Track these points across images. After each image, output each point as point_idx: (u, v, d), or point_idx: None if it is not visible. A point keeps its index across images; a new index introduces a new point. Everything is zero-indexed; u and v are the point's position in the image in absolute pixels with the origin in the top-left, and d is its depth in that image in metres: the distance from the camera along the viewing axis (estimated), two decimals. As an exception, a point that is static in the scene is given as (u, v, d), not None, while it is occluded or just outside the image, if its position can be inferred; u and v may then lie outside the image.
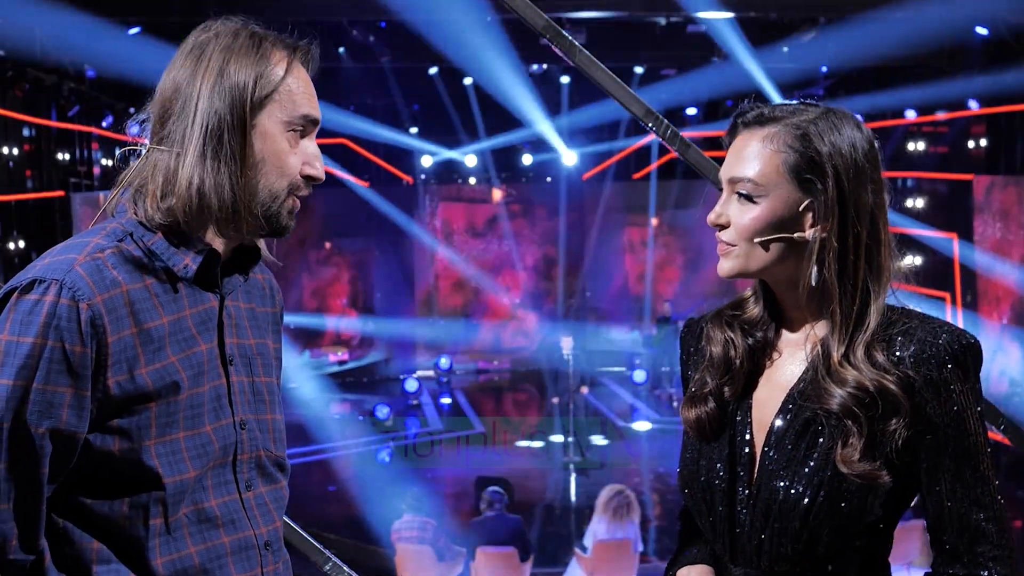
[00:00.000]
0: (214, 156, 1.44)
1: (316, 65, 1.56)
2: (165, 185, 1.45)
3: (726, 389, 1.57)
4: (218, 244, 1.51)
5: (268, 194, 1.49)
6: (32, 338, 1.36)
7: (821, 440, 1.47)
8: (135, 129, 1.54)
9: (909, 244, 13.12)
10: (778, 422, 1.51)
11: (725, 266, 1.53)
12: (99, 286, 1.40)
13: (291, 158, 1.50)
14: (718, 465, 1.55)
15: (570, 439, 11.44)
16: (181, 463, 1.44)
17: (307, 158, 1.52)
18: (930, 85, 11.69)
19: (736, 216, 1.51)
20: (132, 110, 1.61)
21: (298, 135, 1.51)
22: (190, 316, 1.49)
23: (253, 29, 1.50)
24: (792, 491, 1.46)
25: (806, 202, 1.48)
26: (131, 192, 1.49)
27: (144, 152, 1.50)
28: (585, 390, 11.76)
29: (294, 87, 1.50)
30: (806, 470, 1.47)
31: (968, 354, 1.44)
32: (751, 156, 1.50)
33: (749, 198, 1.50)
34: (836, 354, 1.47)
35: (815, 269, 1.48)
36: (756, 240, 1.49)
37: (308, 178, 1.52)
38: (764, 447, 1.52)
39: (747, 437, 1.54)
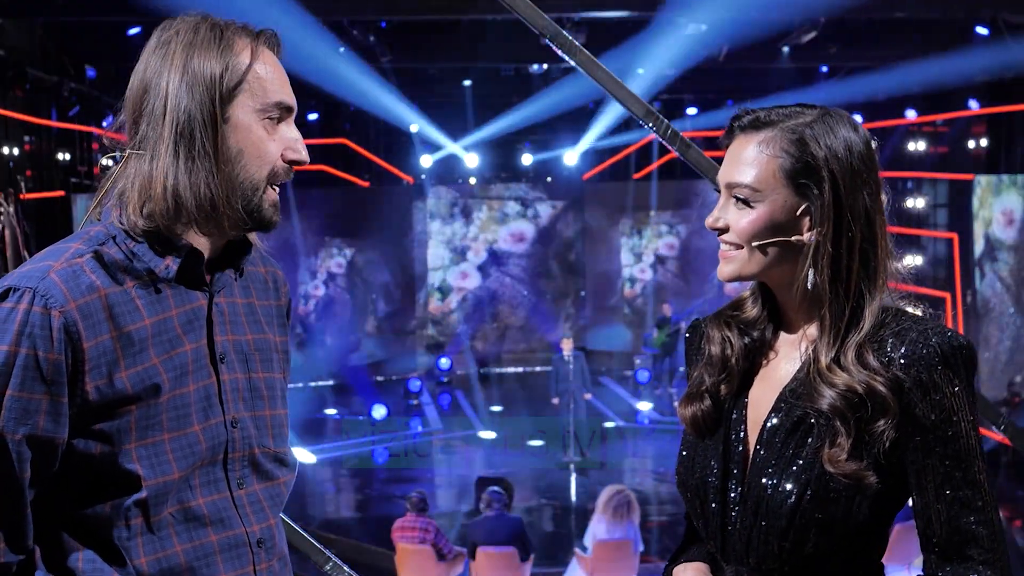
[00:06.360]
0: (187, 155, 1.43)
1: (282, 49, 1.54)
2: (143, 191, 1.44)
3: (722, 387, 1.58)
4: (202, 243, 1.50)
5: (249, 185, 1.47)
6: (6, 346, 1.36)
7: (810, 439, 1.47)
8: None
9: (909, 244, 13.14)
10: (771, 421, 1.52)
11: (725, 270, 1.54)
12: (74, 292, 1.39)
13: (269, 145, 1.48)
14: (712, 463, 1.56)
15: (570, 439, 11.44)
16: (165, 464, 1.43)
17: (288, 143, 1.50)
18: (930, 85, 11.68)
19: (734, 220, 1.51)
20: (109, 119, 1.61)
21: (275, 122, 1.49)
22: (176, 316, 1.47)
23: (213, 21, 1.48)
24: (780, 489, 1.46)
25: (803, 206, 1.48)
26: (114, 197, 1.48)
27: (122, 157, 1.48)
28: (588, 396, 11.78)
29: (263, 74, 1.48)
30: (794, 468, 1.47)
31: (959, 356, 1.43)
32: (748, 161, 1.50)
33: (746, 202, 1.50)
34: (825, 357, 1.47)
35: (811, 272, 1.48)
36: (754, 244, 1.50)
37: (292, 163, 1.51)
38: (756, 445, 1.52)
39: (741, 435, 1.55)
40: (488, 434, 12.48)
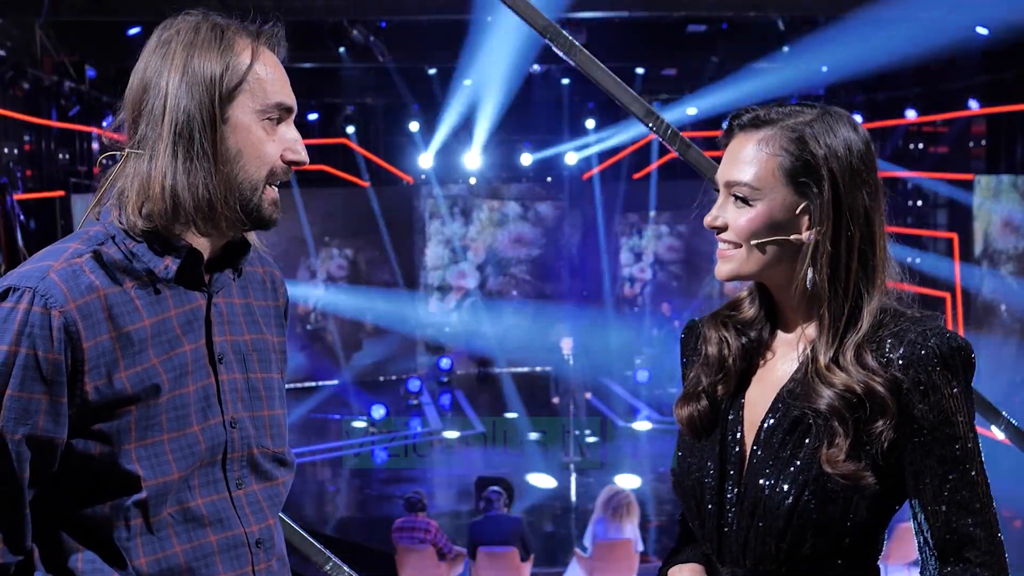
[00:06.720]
0: (186, 155, 1.43)
1: (284, 48, 1.54)
2: (141, 191, 1.45)
3: (719, 387, 1.58)
4: (201, 243, 1.50)
5: (248, 186, 1.48)
6: (6, 346, 1.36)
7: (808, 440, 1.47)
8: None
9: (909, 244, 13.15)
10: (768, 421, 1.51)
11: (723, 269, 1.53)
12: (73, 292, 1.39)
13: (268, 146, 1.49)
14: (708, 463, 1.55)
15: (570, 439, 11.43)
16: (164, 464, 1.43)
17: (287, 144, 1.50)
18: (930, 85, 11.66)
19: (733, 219, 1.51)
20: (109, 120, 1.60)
21: (274, 123, 1.49)
22: (175, 317, 1.47)
23: (214, 21, 1.48)
24: (777, 490, 1.46)
25: (802, 205, 1.48)
26: (114, 197, 1.48)
27: (122, 156, 1.48)
28: (589, 395, 11.76)
29: (263, 75, 1.48)
30: (792, 469, 1.46)
31: (958, 356, 1.43)
32: (747, 159, 1.50)
33: (745, 201, 1.50)
34: (824, 356, 1.47)
35: (810, 271, 1.48)
36: (753, 242, 1.49)
37: (291, 163, 1.51)
38: (753, 446, 1.51)
39: (738, 436, 1.54)
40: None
